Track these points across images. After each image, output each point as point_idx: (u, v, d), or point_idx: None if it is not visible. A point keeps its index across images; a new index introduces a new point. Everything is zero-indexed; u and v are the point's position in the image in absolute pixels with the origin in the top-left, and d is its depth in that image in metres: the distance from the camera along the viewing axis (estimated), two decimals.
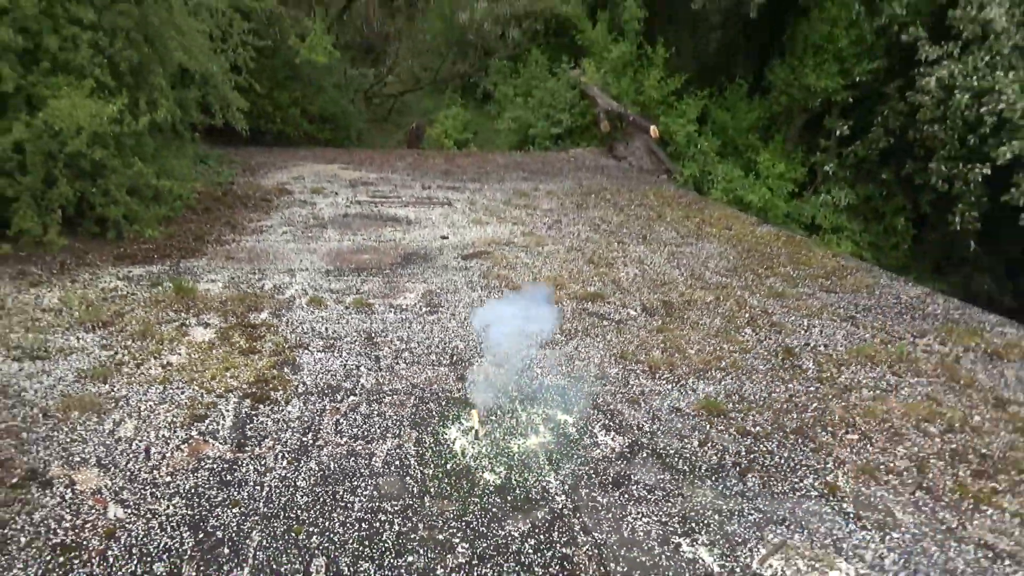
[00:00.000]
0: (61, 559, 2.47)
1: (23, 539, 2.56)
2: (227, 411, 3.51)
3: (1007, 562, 2.63)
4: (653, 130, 11.36)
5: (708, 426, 3.54)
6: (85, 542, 2.57)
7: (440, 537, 2.67)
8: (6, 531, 2.60)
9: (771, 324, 4.88)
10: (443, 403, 3.67)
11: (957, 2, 10.38)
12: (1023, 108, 9.49)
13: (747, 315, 5.02)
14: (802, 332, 4.77)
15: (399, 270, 5.76)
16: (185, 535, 2.63)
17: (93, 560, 2.48)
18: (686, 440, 3.41)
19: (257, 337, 4.35)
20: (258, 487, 2.92)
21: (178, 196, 6.62)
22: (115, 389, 3.66)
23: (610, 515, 2.83)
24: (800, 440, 3.44)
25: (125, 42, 6.04)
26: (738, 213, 8.49)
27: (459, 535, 2.69)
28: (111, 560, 2.49)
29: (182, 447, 3.19)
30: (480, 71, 15.36)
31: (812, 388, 3.99)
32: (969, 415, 3.68)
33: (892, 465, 3.23)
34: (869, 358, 4.34)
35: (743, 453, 3.31)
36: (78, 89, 5.49)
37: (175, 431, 3.31)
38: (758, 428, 3.54)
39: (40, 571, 2.41)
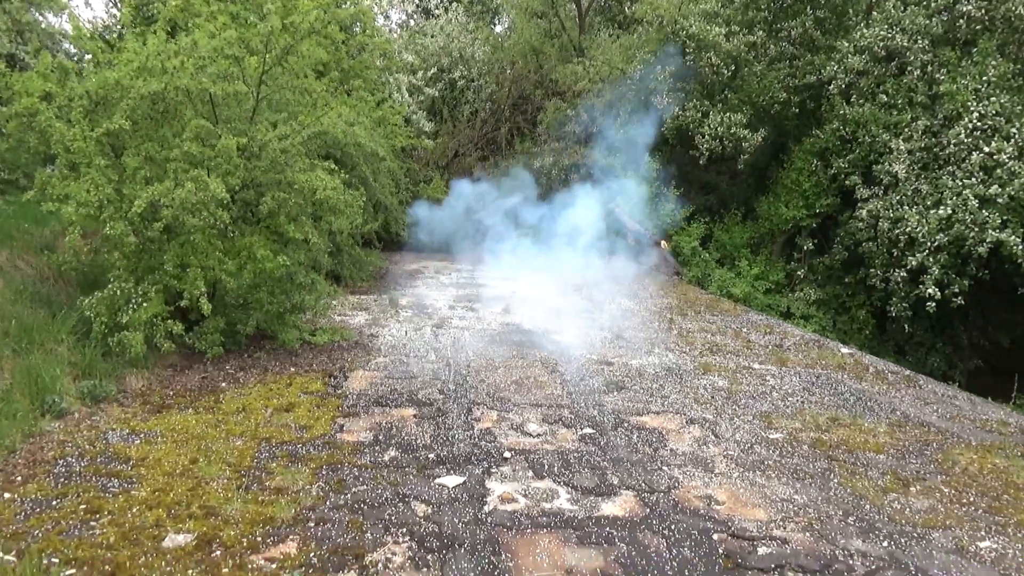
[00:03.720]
0: (391, 347, 9.45)
1: (378, 343, 9.56)
2: (428, 328, 10.53)
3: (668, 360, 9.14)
4: (664, 244, 18.38)
5: (615, 339, 10.18)
6: (397, 344, 9.53)
7: None
8: (372, 342, 9.60)
9: (669, 320, 11.49)
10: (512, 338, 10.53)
11: (879, 159, 17.25)
12: (922, 231, 15.93)
13: (659, 318, 11.66)
14: (681, 323, 11.34)
15: (489, 301, 12.78)
16: (426, 346, 9.56)
17: (402, 347, 9.44)
18: (603, 342, 10.07)
19: (429, 316, 11.40)
20: (443, 341, 9.83)
21: (376, 268, 14.11)
22: (380, 324, 10.72)
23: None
24: (647, 341, 10.01)
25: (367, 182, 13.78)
26: (698, 290, 15.18)
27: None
28: (407, 348, 9.44)
29: (416, 335, 10.17)
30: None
31: (670, 334, 10.56)
32: (712, 336, 10.17)
33: (681, 347, 9.77)
34: (704, 329, 10.88)
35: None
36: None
37: (412, 332, 10.27)
38: (634, 340, 10.15)
39: (387, 347, 9.38)
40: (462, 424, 6.84)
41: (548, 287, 14.51)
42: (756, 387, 8.36)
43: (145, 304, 7.67)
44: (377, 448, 6.22)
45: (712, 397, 7.92)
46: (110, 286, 7.76)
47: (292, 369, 8.36)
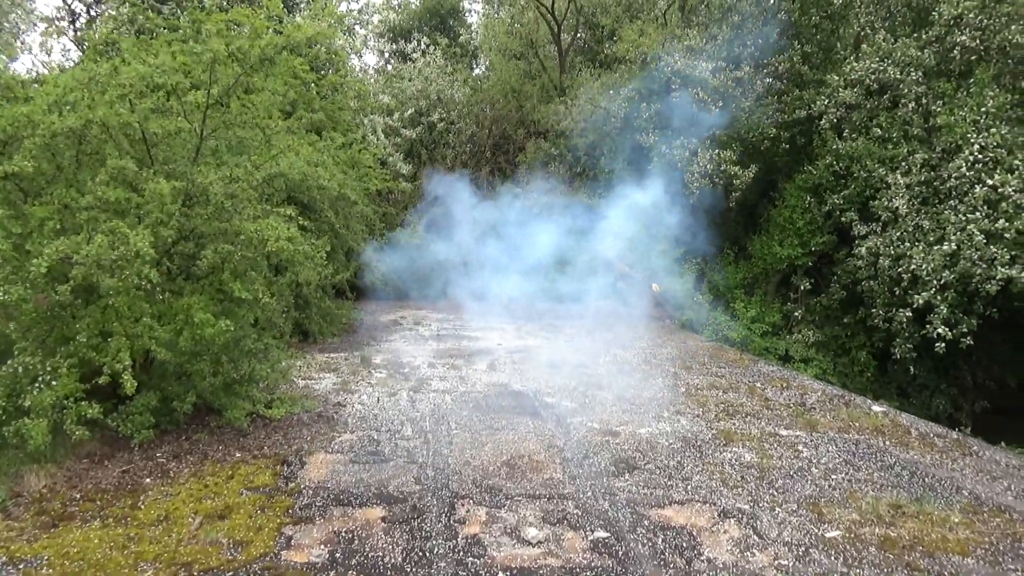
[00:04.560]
0: (361, 419, 7.90)
1: (345, 415, 8.01)
2: (404, 392, 8.99)
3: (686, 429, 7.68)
4: (655, 287, 17.05)
5: (618, 401, 8.72)
6: (367, 416, 7.98)
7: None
8: (338, 413, 8.05)
9: (673, 375, 10.07)
10: (499, 395, 9.02)
11: (876, 195, 16.13)
12: (927, 268, 14.72)
13: (662, 372, 10.24)
14: (687, 378, 9.92)
15: (473, 356, 11.28)
16: (402, 416, 8.02)
17: (372, 419, 7.89)
18: (604, 405, 8.60)
19: (406, 376, 9.88)
20: (421, 408, 8.30)
21: (341, 320, 12.57)
22: (351, 387, 9.18)
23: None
24: (656, 404, 8.56)
25: (335, 228, 12.33)
26: (698, 337, 13.79)
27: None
28: (378, 420, 7.89)
29: (390, 401, 8.63)
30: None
31: (676, 394, 9.12)
32: (738, 397, 8.74)
33: (691, 411, 8.32)
34: (712, 386, 9.46)
35: None
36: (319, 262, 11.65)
37: (385, 399, 8.74)
38: (639, 402, 8.69)
39: (355, 420, 7.83)
40: (443, 530, 5.29)
41: (537, 337, 13.07)
42: (790, 461, 6.89)
43: (54, 383, 6.11)
44: (333, 574, 4.66)
45: (742, 477, 6.44)
46: (10, 362, 6.19)
47: (238, 455, 6.76)
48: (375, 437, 7.34)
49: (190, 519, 5.34)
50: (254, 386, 7.70)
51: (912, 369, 15.78)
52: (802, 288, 17.54)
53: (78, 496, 5.74)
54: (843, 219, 16.68)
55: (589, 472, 6.47)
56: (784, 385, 9.94)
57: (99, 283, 6.02)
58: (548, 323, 14.68)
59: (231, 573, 4.61)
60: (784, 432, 7.76)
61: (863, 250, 16.03)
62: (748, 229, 18.92)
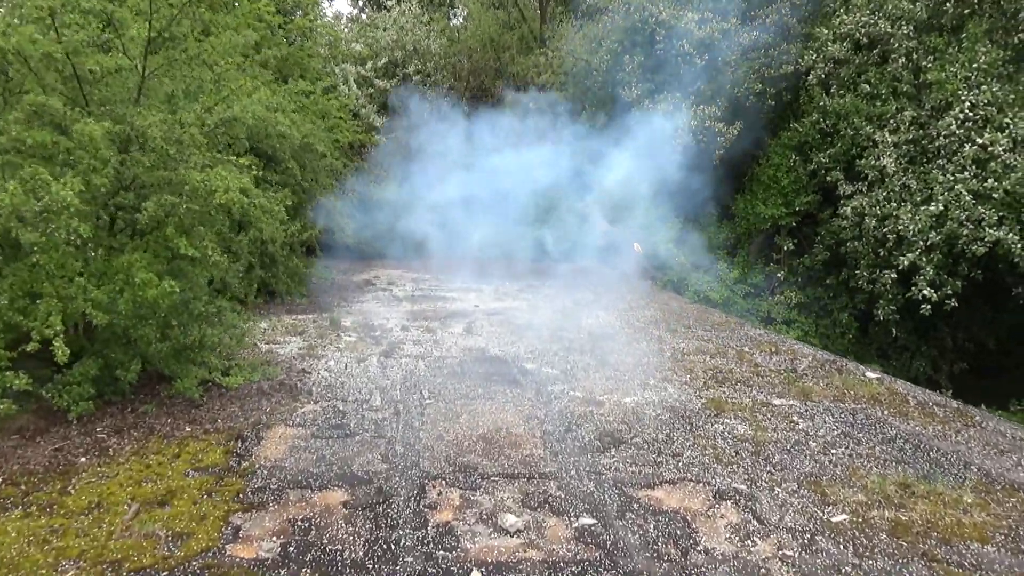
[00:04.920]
0: (326, 387, 7.22)
1: (310, 383, 7.32)
2: (375, 357, 8.31)
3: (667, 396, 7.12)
4: (636, 247, 16.42)
5: (601, 367, 8.13)
6: (333, 383, 7.31)
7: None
8: (302, 381, 7.36)
9: (658, 340, 9.50)
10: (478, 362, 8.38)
11: (862, 153, 15.52)
12: (913, 229, 14.22)
13: (646, 337, 9.66)
14: (672, 342, 9.36)
15: (448, 319, 10.61)
16: (371, 384, 7.35)
17: (339, 388, 7.21)
18: (587, 371, 8.01)
19: (377, 340, 9.19)
20: (392, 375, 7.64)
21: (311, 280, 11.78)
22: (318, 352, 8.48)
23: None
24: (639, 370, 7.99)
25: (299, 181, 11.44)
26: (681, 298, 13.24)
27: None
28: (345, 388, 7.22)
29: (359, 367, 7.96)
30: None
31: (662, 359, 8.55)
32: (727, 363, 8.20)
33: (680, 378, 7.76)
34: (700, 351, 8.90)
35: None
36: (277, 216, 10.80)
37: (353, 365, 8.05)
38: (624, 368, 8.12)
39: (320, 389, 7.15)
40: (411, 517, 4.67)
41: (516, 298, 12.41)
42: (786, 434, 6.36)
43: None
44: (285, 573, 4.03)
45: (736, 453, 5.89)
46: None
47: (187, 429, 6.05)
48: (341, 408, 6.67)
49: (125, 506, 4.65)
50: (209, 352, 6.96)
51: (894, 331, 15.42)
52: (785, 249, 17.03)
53: (0, 480, 5.02)
54: (828, 178, 16.09)
55: (572, 447, 5.88)
56: (773, 350, 9.42)
57: (19, 238, 5.21)
58: (527, 284, 14.02)
59: (166, 573, 3.95)
60: (777, 401, 7.23)
61: (848, 210, 15.48)
62: (732, 188, 18.27)
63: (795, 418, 6.75)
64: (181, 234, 6.14)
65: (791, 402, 7.22)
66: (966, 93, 13.79)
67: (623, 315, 11.30)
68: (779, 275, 16.86)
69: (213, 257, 6.27)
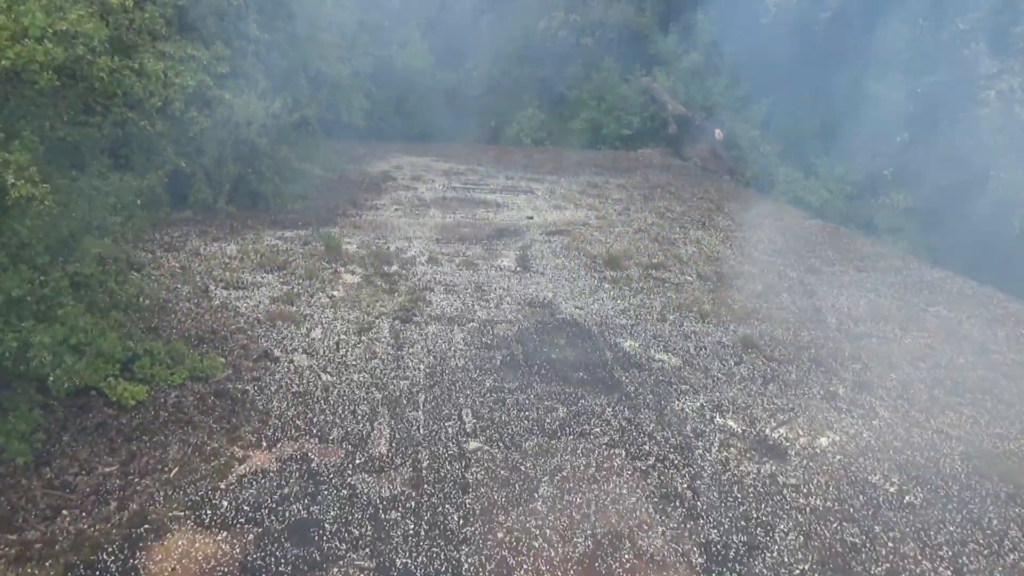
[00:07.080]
0: (298, 401, 3.89)
1: (272, 388, 4.00)
2: (385, 322, 4.91)
3: (954, 441, 3.72)
4: (718, 133, 12.39)
5: (743, 353, 4.71)
6: (311, 392, 3.98)
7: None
8: (260, 383, 4.04)
9: (805, 291, 5.96)
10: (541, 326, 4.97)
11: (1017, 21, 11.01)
12: None
13: (786, 284, 6.12)
14: (831, 298, 5.84)
15: (494, 241, 7.09)
16: (376, 392, 4.01)
17: (319, 402, 3.89)
18: (725, 361, 4.60)
19: (392, 282, 5.75)
20: (410, 369, 4.28)
21: (310, 175, 8.19)
22: (300, 309, 5.10)
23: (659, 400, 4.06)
24: (814, 366, 4.57)
25: (279, 52, 7.61)
26: (789, 207, 9.49)
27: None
28: (332, 402, 3.89)
29: (359, 345, 4.59)
30: (556, 76, 16.61)
31: (831, 335, 5.09)
32: (955, 357, 4.72)
33: (883, 383, 4.33)
34: (883, 317, 5.39)
35: (768, 372, 4.47)
36: (249, 91, 7.04)
37: (348, 341, 4.69)
38: (782, 357, 4.68)
39: (287, 406, 3.83)
40: None
41: (578, 204, 8.75)
42: None
43: None
44: None
45: None
46: None
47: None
48: (311, 463, 3.36)
49: None
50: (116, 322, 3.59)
51: None
52: (898, 140, 12.87)
53: None
54: (966, 50, 11.69)
55: None
56: (988, 314, 5.82)
57: None
58: (587, 181, 10.26)
59: None
60: None
61: (991, 94, 11.26)
62: (833, 62, 13.78)
63: None
64: None
65: None
66: None
67: (730, 237, 7.66)
68: (886, 172, 12.83)
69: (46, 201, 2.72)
